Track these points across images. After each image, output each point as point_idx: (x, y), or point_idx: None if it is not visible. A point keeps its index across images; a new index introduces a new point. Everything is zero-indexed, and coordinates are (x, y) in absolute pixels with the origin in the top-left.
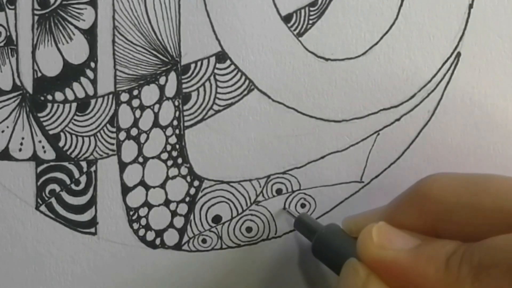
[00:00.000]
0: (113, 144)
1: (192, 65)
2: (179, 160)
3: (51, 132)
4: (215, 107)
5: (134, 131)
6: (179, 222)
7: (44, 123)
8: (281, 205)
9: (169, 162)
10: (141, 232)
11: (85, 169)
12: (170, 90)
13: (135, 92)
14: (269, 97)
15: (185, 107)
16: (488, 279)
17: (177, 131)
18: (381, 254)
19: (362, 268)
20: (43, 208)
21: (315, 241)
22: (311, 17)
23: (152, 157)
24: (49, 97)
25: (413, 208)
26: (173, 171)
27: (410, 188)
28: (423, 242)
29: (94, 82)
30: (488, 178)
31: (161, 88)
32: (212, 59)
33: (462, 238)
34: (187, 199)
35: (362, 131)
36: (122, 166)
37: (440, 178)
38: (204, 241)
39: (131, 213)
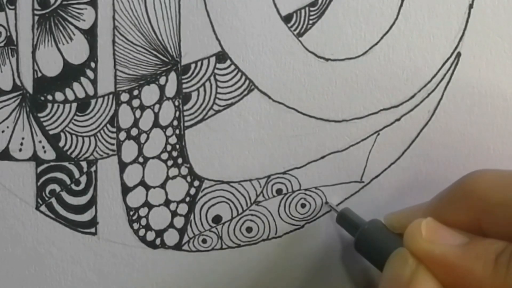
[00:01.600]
0: (113, 144)
1: (192, 65)
2: (179, 160)
3: (51, 132)
4: (215, 107)
5: (134, 131)
6: (179, 222)
7: (44, 123)
8: (281, 205)
9: (169, 162)
10: (141, 232)
11: (85, 169)
12: (170, 90)
13: (135, 92)
14: (269, 97)
15: (185, 107)
16: None
17: (177, 131)
18: (430, 248)
19: (412, 258)
20: (43, 208)
21: (358, 236)
22: (311, 17)
23: (152, 157)
24: (49, 97)
25: (458, 204)
26: (173, 171)
27: (454, 184)
28: (471, 239)
29: (94, 82)
30: None
31: (161, 88)
32: (212, 59)
33: (508, 236)
34: (187, 199)
35: (362, 131)
36: (122, 166)
37: (485, 174)
38: (204, 241)
39: (131, 213)
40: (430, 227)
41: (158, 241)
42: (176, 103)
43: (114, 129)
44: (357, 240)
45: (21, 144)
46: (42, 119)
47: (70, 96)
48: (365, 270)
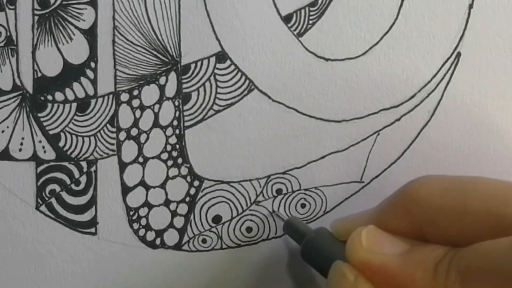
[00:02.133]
0: (113, 144)
1: (192, 65)
2: (179, 160)
3: (51, 132)
4: (215, 107)
5: (134, 131)
6: (179, 222)
7: (44, 123)
8: (281, 205)
9: (169, 162)
10: (141, 232)
11: (85, 169)
12: (170, 90)
13: (135, 92)
14: (269, 97)
15: (185, 107)
16: (474, 285)
17: (177, 131)
18: (370, 258)
19: (350, 271)
20: (43, 208)
21: (304, 244)
22: (311, 17)
23: (152, 157)
24: (49, 97)
25: (400, 211)
26: (173, 171)
27: (397, 191)
28: (412, 247)
29: (94, 82)
30: (475, 180)
31: (161, 88)
32: (212, 59)
33: (450, 242)
34: (187, 199)
35: (362, 131)
36: (122, 166)
37: (427, 180)
38: (204, 241)
39: (131, 213)
40: (371, 235)
41: (158, 241)
42: (176, 103)
43: (114, 129)
44: (303, 248)
45: (21, 144)
46: (42, 119)
47: (70, 96)
48: None
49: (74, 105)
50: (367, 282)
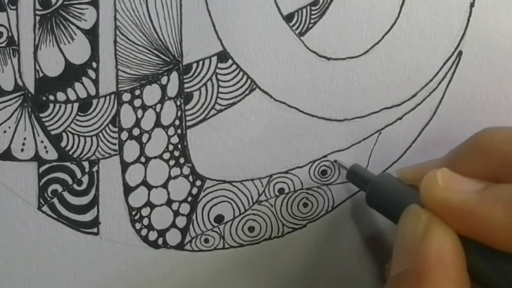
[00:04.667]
0: (115, 144)
1: (194, 65)
2: (181, 160)
3: (53, 132)
4: (217, 107)
5: (136, 131)
6: (181, 222)
7: (46, 123)
8: (283, 205)
9: (171, 162)
10: (144, 232)
11: (87, 169)
12: (172, 90)
13: (137, 92)
14: (271, 97)
15: (187, 107)
16: None
17: (179, 131)
18: (447, 196)
19: (424, 212)
20: (45, 208)
21: (369, 189)
22: (312, 16)
23: (154, 157)
24: (51, 97)
25: (473, 158)
26: (175, 171)
27: (468, 139)
28: (488, 185)
29: (96, 82)
30: None
31: (163, 88)
32: (214, 59)
33: None
34: (189, 199)
35: (364, 130)
36: (124, 166)
37: (499, 130)
38: (206, 240)
39: (133, 213)
40: (446, 176)
41: (160, 241)
42: (178, 103)
43: (116, 129)
44: (369, 193)
45: (23, 144)
46: (44, 119)
47: (72, 96)
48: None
49: (76, 105)
50: (441, 222)
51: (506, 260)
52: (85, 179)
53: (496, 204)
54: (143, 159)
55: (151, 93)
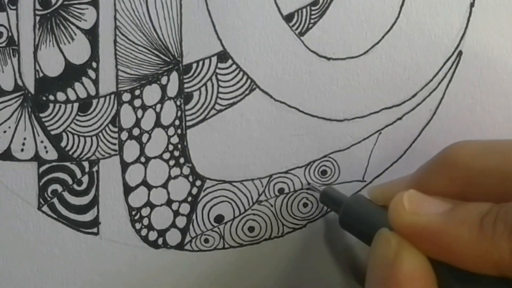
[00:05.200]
0: (115, 144)
1: (194, 65)
2: (181, 160)
3: (53, 132)
4: (217, 107)
5: (136, 131)
6: (181, 222)
7: (46, 123)
8: (283, 205)
9: (171, 162)
10: (144, 232)
11: (87, 169)
12: (172, 90)
13: (137, 92)
14: (271, 97)
15: (187, 107)
16: None
17: (179, 131)
18: (413, 220)
19: (394, 237)
20: (45, 208)
21: (342, 212)
22: (312, 16)
23: (154, 157)
24: (51, 97)
25: (440, 175)
26: (175, 171)
27: (436, 156)
28: (455, 205)
29: (96, 82)
30: None
31: (163, 88)
32: (214, 59)
33: (492, 202)
34: (189, 199)
35: (364, 130)
36: (124, 166)
37: (466, 144)
38: (206, 240)
39: (133, 213)
40: (413, 198)
41: (160, 241)
42: (178, 103)
43: (116, 129)
44: (342, 216)
45: (23, 144)
46: (43, 119)
47: (72, 96)
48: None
49: (76, 105)
50: (410, 246)
51: (476, 281)
52: (85, 179)
53: (462, 226)
54: (143, 159)
55: (151, 93)
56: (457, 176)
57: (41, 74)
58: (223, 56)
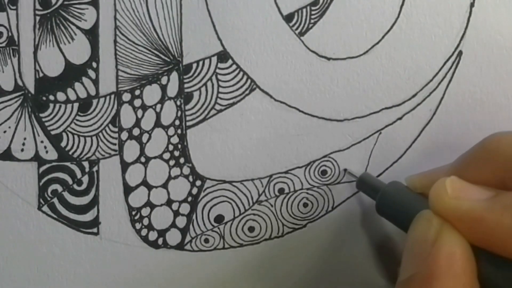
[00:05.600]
0: (115, 144)
1: (194, 65)
2: (181, 160)
3: (53, 133)
4: (217, 107)
5: (136, 131)
6: (181, 222)
7: (46, 123)
8: (284, 205)
9: (171, 162)
10: (144, 232)
11: (87, 169)
12: (172, 90)
13: (137, 92)
14: (271, 97)
15: (187, 107)
16: None
17: (179, 131)
18: (456, 205)
19: (435, 218)
20: (45, 208)
21: (379, 198)
22: (312, 17)
23: (154, 157)
24: (51, 97)
25: (481, 164)
26: (175, 171)
27: (476, 145)
28: (497, 193)
29: (96, 82)
30: None
31: (163, 88)
32: (214, 59)
33: None
34: (189, 199)
35: (364, 130)
36: (124, 166)
37: (505, 135)
38: (206, 240)
39: (134, 213)
40: (455, 184)
41: (160, 241)
42: (178, 103)
43: (116, 129)
44: (379, 201)
45: (23, 144)
46: (44, 119)
47: (72, 96)
48: (366, 269)
49: (76, 105)
50: (451, 228)
51: None
52: (85, 179)
53: (505, 213)
54: (143, 159)
55: (151, 93)
56: (498, 166)
57: (41, 74)
58: (223, 56)
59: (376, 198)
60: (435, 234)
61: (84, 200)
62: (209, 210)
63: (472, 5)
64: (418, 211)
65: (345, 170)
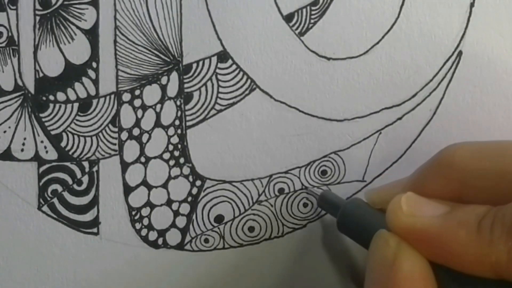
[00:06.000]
0: (115, 144)
1: (194, 65)
2: (181, 160)
3: (53, 133)
4: (217, 107)
5: (136, 131)
6: (181, 222)
7: (46, 124)
8: (284, 205)
9: (171, 162)
10: (144, 232)
11: (87, 169)
12: (172, 90)
13: (137, 92)
14: (271, 97)
15: (187, 107)
16: None
17: (179, 131)
18: (411, 222)
19: (392, 238)
20: (45, 208)
21: (339, 215)
22: (312, 16)
23: (154, 157)
24: (51, 97)
25: (437, 177)
26: (175, 171)
27: (432, 158)
28: (452, 208)
29: (96, 82)
30: (510, 143)
31: (163, 88)
32: (214, 59)
33: (489, 204)
34: (189, 199)
35: (364, 130)
36: (124, 166)
37: (462, 146)
38: (206, 240)
39: (134, 213)
40: (411, 201)
41: (160, 241)
42: (178, 103)
43: (116, 129)
44: (339, 219)
45: (23, 144)
46: (43, 119)
47: (72, 96)
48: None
49: (76, 105)
50: (409, 247)
51: (474, 283)
52: (85, 179)
53: (460, 228)
54: (143, 159)
55: (151, 93)
56: (454, 178)
57: (41, 74)
58: (223, 56)
59: (337, 215)
60: (393, 255)
61: (84, 200)
62: (209, 210)
63: (472, 5)
64: (378, 229)
65: (306, 188)
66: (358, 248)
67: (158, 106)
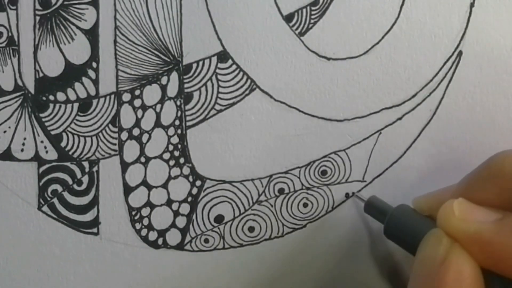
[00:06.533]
0: (115, 144)
1: (194, 65)
2: (181, 160)
3: (53, 133)
4: (217, 107)
5: (136, 131)
6: (181, 222)
7: (46, 124)
8: (283, 205)
9: (171, 162)
10: (144, 232)
11: (87, 169)
12: (172, 90)
13: (137, 92)
14: (271, 97)
15: (187, 107)
16: None
17: (179, 131)
18: (464, 227)
19: (446, 237)
20: (45, 208)
21: (387, 221)
22: (312, 17)
23: (154, 157)
24: (51, 98)
25: (487, 184)
26: (175, 171)
27: (482, 165)
28: (505, 215)
29: (96, 82)
30: None
31: (163, 88)
32: (214, 59)
33: None
34: (189, 199)
35: (364, 130)
36: (124, 166)
37: (510, 154)
38: (206, 241)
39: (133, 213)
40: (463, 206)
41: (160, 241)
42: (178, 103)
43: (116, 129)
44: (387, 225)
45: (23, 144)
46: (44, 119)
47: (72, 96)
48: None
49: (76, 105)
50: (461, 248)
51: None
52: (85, 179)
53: None
54: (143, 159)
55: (151, 93)
56: (504, 186)
57: (41, 74)
58: (223, 56)
59: (384, 221)
60: (444, 253)
61: (84, 200)
62: (209, 210)
63: (472, 5)
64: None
65: (353, 193)
66: (358, 248)
67: (158, 106)
